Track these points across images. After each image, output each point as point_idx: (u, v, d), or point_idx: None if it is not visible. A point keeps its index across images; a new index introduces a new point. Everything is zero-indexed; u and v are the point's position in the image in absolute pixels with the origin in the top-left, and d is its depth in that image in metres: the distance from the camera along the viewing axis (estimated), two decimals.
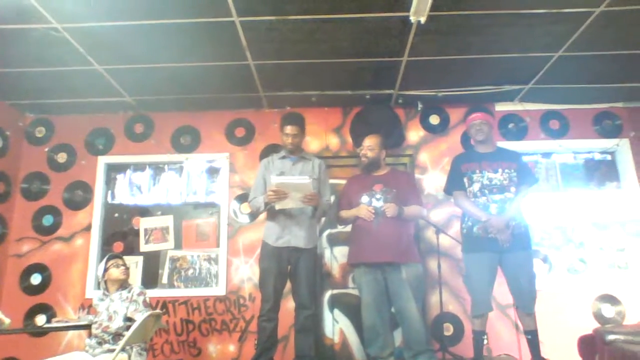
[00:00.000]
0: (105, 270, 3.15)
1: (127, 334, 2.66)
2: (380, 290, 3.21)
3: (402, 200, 3.29)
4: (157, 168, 4.65)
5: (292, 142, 3.44)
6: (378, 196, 3.30)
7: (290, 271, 3.34)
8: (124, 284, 3.17)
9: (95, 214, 4.44)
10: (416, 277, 3.20)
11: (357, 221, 3.35)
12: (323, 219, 3.95)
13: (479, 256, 3.27)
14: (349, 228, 4.34)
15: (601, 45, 3.52)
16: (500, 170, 3.34)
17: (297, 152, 3.51)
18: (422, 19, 3.03)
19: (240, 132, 4.62)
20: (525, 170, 3.44)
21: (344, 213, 3.45)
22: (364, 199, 3.33)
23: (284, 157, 3.50)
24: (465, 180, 3.40)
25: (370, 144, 3.45)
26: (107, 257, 3.24)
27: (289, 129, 3.44)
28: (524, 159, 3.66)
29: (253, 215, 4.17)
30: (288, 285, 3.38)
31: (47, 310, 4.21)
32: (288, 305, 3.43)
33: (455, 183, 3.46)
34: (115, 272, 3.14)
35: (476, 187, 3.34)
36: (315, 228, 3.50)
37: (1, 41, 3.32)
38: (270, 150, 4.37)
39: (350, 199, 3.43)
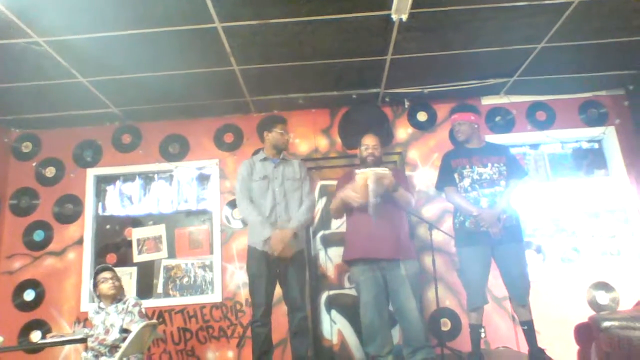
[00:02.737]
0: (95, 285, 3.14)
1: (124, 345, 2.65)
2: (380, 288, 3.17)
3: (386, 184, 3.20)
4: (147, 178, 4.63)
5: (285, 139, 3.45)
6: (357, 176, 3.17)
7: (279, 275, 3.30)
8: (118, 296, 3.16)
9: (86, 226, 4.41)
10: (415, 273, 3.19)
11: (353, 216, 3.31)
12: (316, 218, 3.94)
13: (471, 250, 3.29)
14: (342, 228, 4.37)
15: (582, 35, 3.56)
16: (489, 164, 3.37)
17: (278, 153, 3.49)
18: (404, 17, 3.05)
19: (229, 137, 4.61)
20: (514, 163, 3.47)
21: (333, 202, 3.34)
22: None
23: (265, 159, 3.46)
24: (455, 176, 3.42)
25: (375, 143, 3.42)
26: (96, 269, 3.23)
27: (280, 127, 3.45)
28: (512, 152, 3.69)
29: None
30: (279, 290, 3.35)
31: (42, 326, 4.17)
32: (284, 308, 3.42)
33: (446, 179, 3.48)
34: (104, 288, 3.12)
35: (467, 182, 3.36)
36: (305, 221, 3.42)
37: None
38: None
39: None
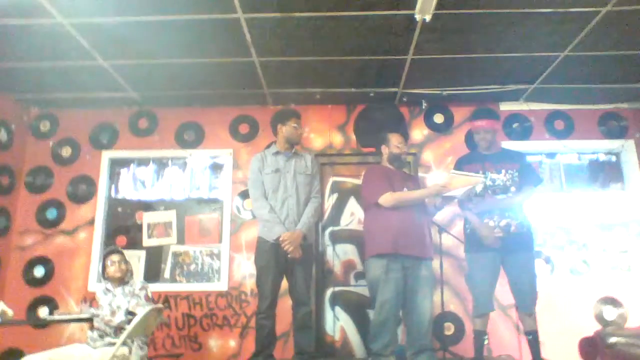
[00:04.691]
0: (104, 267, 3.18)
1: (129, 327, 2.68)
2: (400, 288, 3.10)
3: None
4: (161, 163, 4.66)
5: (298, 134, 3.45)
6: (435, 183, 3.33)
7: (287, 269, 3.30)
8: (125, 279, 3.19)
9: (98, 208, 4.46)
10: (432, 274, 3.20)
11: (387, 210, 3.16)
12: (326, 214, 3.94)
13: (481, 256, 3.27)
14: (352, 225, 4.39)
15: (607, 45, 3.50)
16: (503, 171, 3.33)
17: (290, 147, 3.48)
18: (428, 17, 3.03)
19: (244, 128, 4.62)
20: (529, 170, 3.43)
21: (409, 194, 3.20)
22: (405, 190, 3.25)
23: (277, 153, 3.45)
24: None
25: (401, 140, 3.41)
26: (105, 251, 3.26)
27: (295, 120, 3.44)
28: (528, 159, 3.65)
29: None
30: (285, 283, 3.36)
31: (49, 302, 4.23)
32: (288, 301, 3.44)
33: None
34: (111, 270, 3.15)
35: (478, 187, 3.32)
36: (313, 223, 3.45)
37: (7, 36, 3.34)
38: None
39: (393, 184, 3.24)
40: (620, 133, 4.51)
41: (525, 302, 3.20)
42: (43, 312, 4.20)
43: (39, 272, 4.31)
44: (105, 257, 3.21)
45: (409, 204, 3.17)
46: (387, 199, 3.15)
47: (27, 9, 3.02)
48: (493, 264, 3.25)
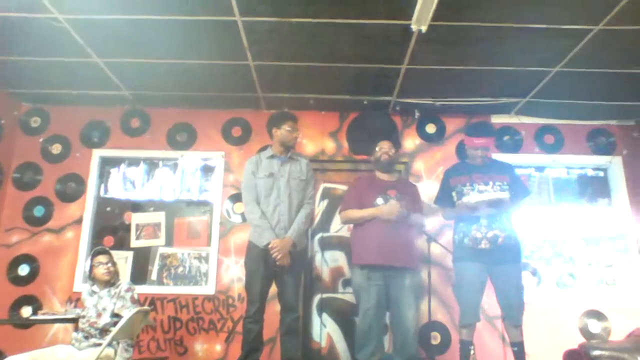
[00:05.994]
0: (91, 267, 3.14)
1: (114, 329, 2.65)
2: (382, 296, 3.18)
3: (409, 208, 3.32)
4: (152, 164, 4.63)
5: (293, 136, 3.44)
6: (392, 201, 3.31)
7: (276, 274, 3.29)
8: (112, 281, 3.16)
9: (87, 207, 4.41)
10: (416, 284, 3.23)
11: (369, 222, 3.29)
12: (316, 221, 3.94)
13: (468, 266, 3.29)
14: (341, 232, 4.39)
15: (599, 62, 3.56)
16: (491, 182, 3.35)
17: (286, 151, 3.48)
18: (424, 28, 3.05)
19: (236, 131, 4.61)
20: (518, 183, 3.46)
21: (358, 212, 3.36)
22: (379, 201, 3.32)
23: (272, 157, 3.45)
24: (453, 194, 3.43)
25: (389, 146, 3.51)
26: (93, 251, 3.22)
27: (290, 124, 3.43)
28: (518, 172, 3.68)
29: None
30: (274, 288, 3.36)
31: (33, 302, 4.16)
32: (276, 307, 3.43)
33: (442, 197, 3.54)
34: (99, 272, 3.11)
35: (466, 199, 3.33)
36: (304, 230, 3.46)
37: (1, 29, 3.30)
38: None
39: (362, 200, 3.38)
40: (608, 149, 4.58)
41: (512, 313, 3.22)
42: (26, 311, 4.13)
43: (23, 270, 4.24)
44: (92, 257, 3.17)
45: (358, 222, 3.38)
46: (341, 216, 3.51)
47: (23, 3, 3.00)
48: (480, 275, 3.27)
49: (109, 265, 3.15)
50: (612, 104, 4.27)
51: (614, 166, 4.56)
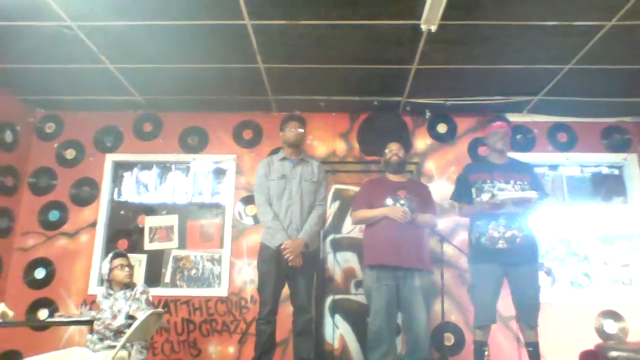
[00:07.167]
0: (110, 270, 3.17)
1: (129, 331, 2.67)
2: (393, 296, 3.17)
3: (419, 209, 3.32)
4: (164, 167, 4.68)
5: (296, 136, 3.44)
6: (402, 202, 3.31)
7: (289, 275, 3.30)
8: (128, 284, 3.19)
9: (101, 210, 4.47)
10: (428, 285, 3.21)
11: (379, 222, 3.30)
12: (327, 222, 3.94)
13: (485, 267, 3.25)
14: (353, 233, 4.38)
15: (611, 59, 3.52)
16: (512, 181, 3.32)
17: (297, 153, 3.50)
18: (433, 28, 3.04)
19: (247, 134, 4.64)
20: (538, 183, 3.42)
21: (367, 212, 3.36)
22: (389, 201, 3.33)
23: (284, 159, 3.47)
24: (473, 190, 3.38)
25: (399, 148, 3.53)
26: (112, 254, 3.25)
27: (293, 124, 3.46)
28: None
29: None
30: (286, 289, 3.36)
31: (49, 304, 4.23)
32: (288, 308, 3.43)
33: (461, 193, 3.47)
34: (120, 275, 3.15)
35: (485, 197, 3.27)
36: (316, 232, 3.47)
37: (15, 37, 3.36)
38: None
39: (372, 200, 3.39)
40: (623, 146, 4.51)
41: (529, 314, 3.19)
42: (43, 314, 4.19)
43: (39, 274, 4.31)
44: (113, 258, 3.20)
45: (368, 222, 3.39)
46: (352, 217, 3.54)
47: (36, 11, 3.04)
48: (497, 276, 3.23)
49: (128, 268, 3.19)
50: (626, 101, 4.21)
51: (630, 163, 4.49)
